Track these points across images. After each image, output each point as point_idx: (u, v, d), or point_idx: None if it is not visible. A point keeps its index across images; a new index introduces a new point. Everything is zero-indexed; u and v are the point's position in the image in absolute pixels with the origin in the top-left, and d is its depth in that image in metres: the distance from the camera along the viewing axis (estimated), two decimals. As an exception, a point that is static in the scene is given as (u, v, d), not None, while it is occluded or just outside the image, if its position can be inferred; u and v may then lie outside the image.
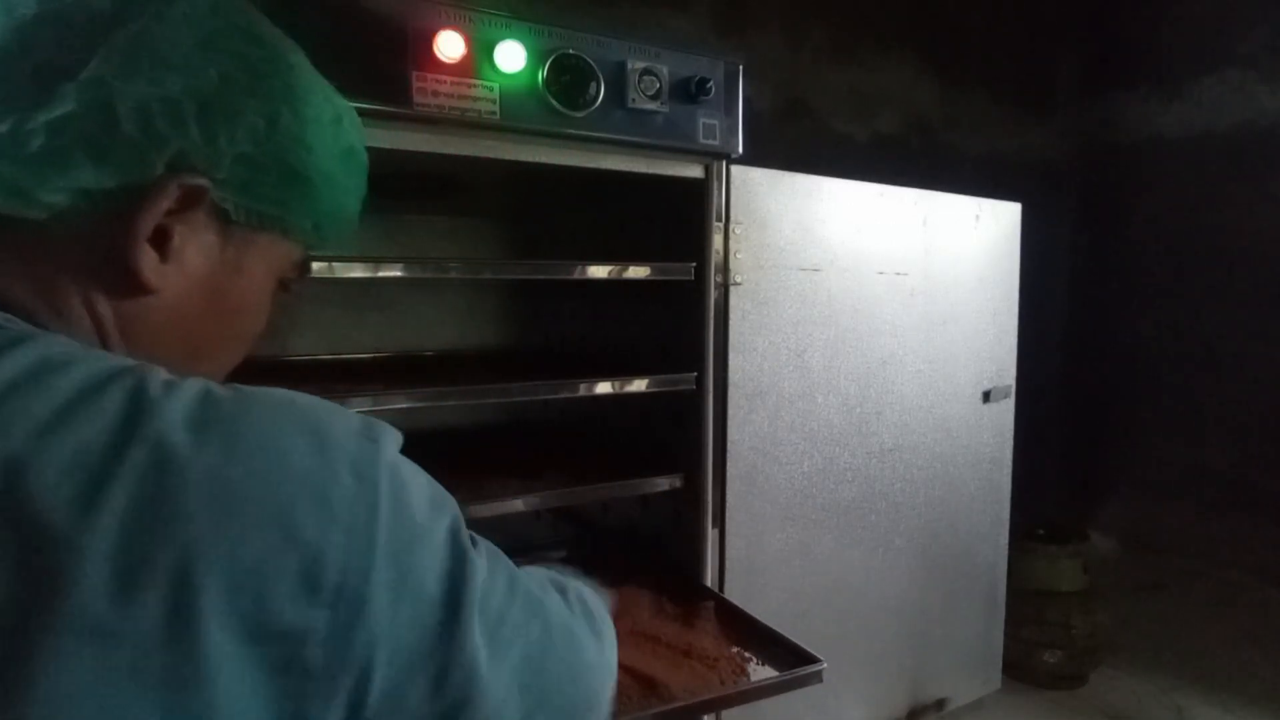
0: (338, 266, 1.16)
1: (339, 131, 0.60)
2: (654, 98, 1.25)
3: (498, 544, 0.57)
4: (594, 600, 0.68)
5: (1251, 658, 2.51)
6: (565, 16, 1.18)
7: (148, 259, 0.50)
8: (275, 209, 0.56)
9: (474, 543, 0.54)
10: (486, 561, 0.54)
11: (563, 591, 0.64)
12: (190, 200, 0.50)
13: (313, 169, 0.57)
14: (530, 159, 1.22)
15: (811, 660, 1.15)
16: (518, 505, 1.30)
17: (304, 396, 0.49)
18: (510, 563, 0.58)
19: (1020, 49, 3.11)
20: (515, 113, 1.15)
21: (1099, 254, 3.22)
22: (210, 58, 0.51)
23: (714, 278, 1.43)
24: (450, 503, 0.53)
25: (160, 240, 0.50)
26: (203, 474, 0.41)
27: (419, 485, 0.51)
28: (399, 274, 1.22)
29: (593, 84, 1.19)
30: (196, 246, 0.53)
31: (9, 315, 0.46)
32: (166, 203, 0.49)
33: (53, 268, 0.49)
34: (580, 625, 0.62)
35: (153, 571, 0.38)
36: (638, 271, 1.38)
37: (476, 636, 0.50)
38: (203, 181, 0.50)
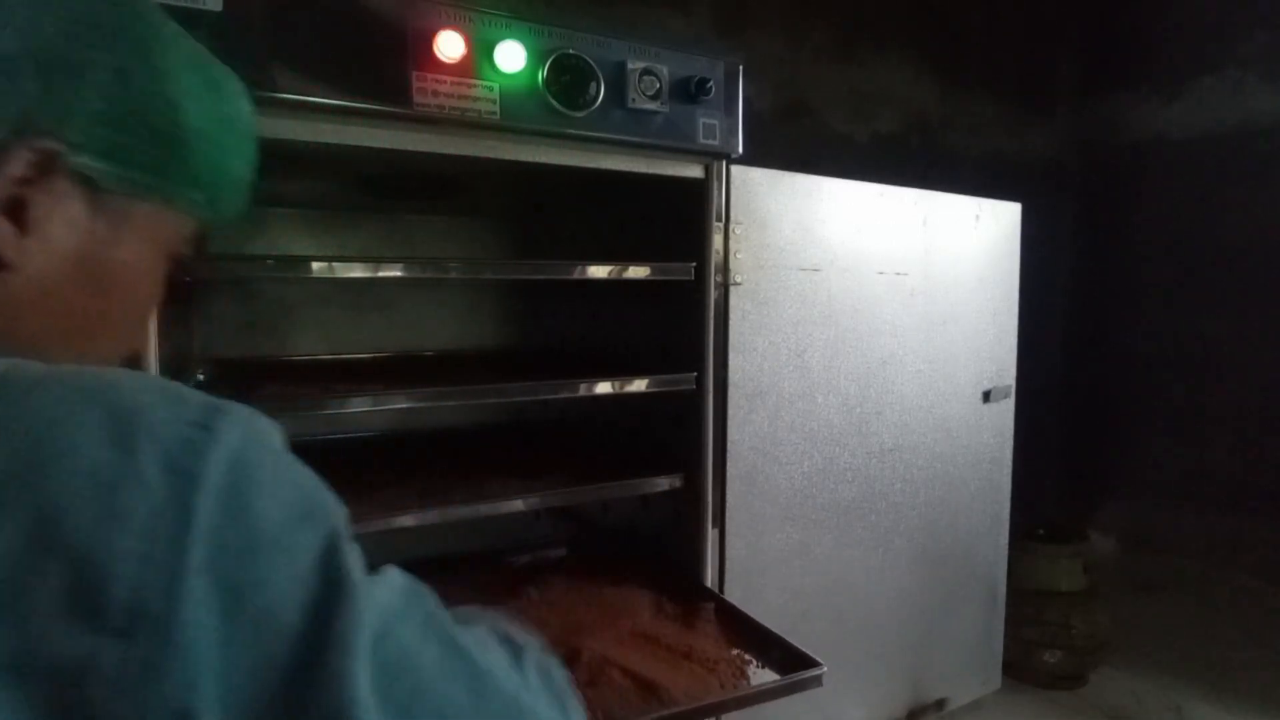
0: (338, 266, 1.16)
1: (218, 98, 0.56)
2: (654, 98, 1.25)
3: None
4: (560, 674, 0.57)
5: (1251, 658, 2.51)
6: (565, 16, 1.18)
7: (2, 232, 0.46)
8: (149, 175, 0.52)
9: (379, 573, 0.47)
10: (399, 598, 0.46)
11: (516, 655, 0.54)
12: (46, 166, 0.47)
13: (184, 129, 0.53)
14: (530, 159, 1.22)
15: (811, 664, 1.15)
16: (518, 505, 1.30)
17: (133, 376, 0.43)
18: (439, 609, 0.49)
19: (1020, 49, 3.11)
20: (515, 113, 1.15)
21: (1099, 254, 3.22)
22: (47, 13, 0.47)
23: (714, 278, 1.43)
24: (331, 517, 0.45)
25: (17, 212, 0.46)
26: None
27: (279, 489, 0.43)
28: (399, 274, 1.22)
29: (593, 84, 1.19)
30: (62, 218, 0.49)
31: None
32: (18, 169, 0.46)
33: None
34: (536, 700, 0.51)
35: None
36: (638, 271, 1.38)
37: (359, 684, 0.41)
38: (55, 145, 0.47)
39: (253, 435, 0.43)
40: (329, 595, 0.41)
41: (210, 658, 0.37)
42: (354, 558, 0.44)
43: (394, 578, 0.47)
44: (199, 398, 0.43)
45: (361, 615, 0.42)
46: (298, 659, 0.40)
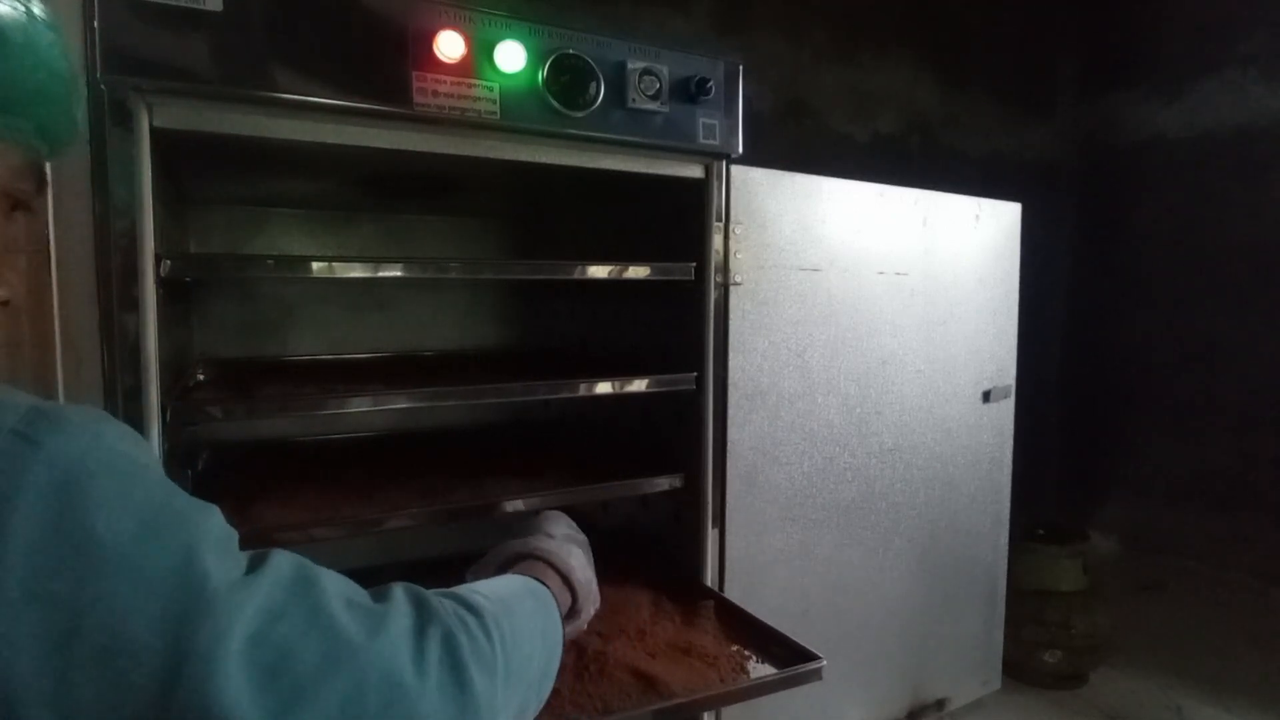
0: (338, 266, 1.16)
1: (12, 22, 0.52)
2: (654, 98, 1.25)
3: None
4: (468, 643, 0.54)
5: (1251, 658, 2.51)
6: (565, 16, 1.18)
7: None
8: None
9: (264, 566, 0.45)
10: (280, 593, 0.45)
11: (421, 629, 0.52)
12: None
13: None
14: (530, 159, 1.22)
15: (811, 658, 1.15)
16: (518, 505, 1.30)
17: None
18: (329, 591, 0.48)
19: (1020, 49, 3.11)
20: (515, 113, 1.15)
21: (1099, 254, 3.22)
22: None
23: (714, 278, 1.43)
24: (190, 521, 0.43)
25: None
26: None
27: (123, 500, 0.40)
28: (399, 274, 1.22)
29: (593, 84, 1.19)
30: None
31: None
32: None
33: None
34: (424, 679, 0.50)
35: None
36: (638, 271, 1.38)
37: (229, 691, 0.40)
38: None
39: (93, 443, 0.40)
40: (187, 608, 0.40)
41: (37, 682, 0.35)
42: (220, 564, 0.42)
43: (279, 570, 0.46)
44: (26, 403, 0.40)
45: (229, 624, 0.41)
46: (158, 675, 0.38)
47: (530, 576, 0.82)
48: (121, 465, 0.42)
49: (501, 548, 0.92)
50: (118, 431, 0.43)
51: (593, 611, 0.93)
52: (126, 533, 0.40)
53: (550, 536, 0.95)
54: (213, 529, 0.45)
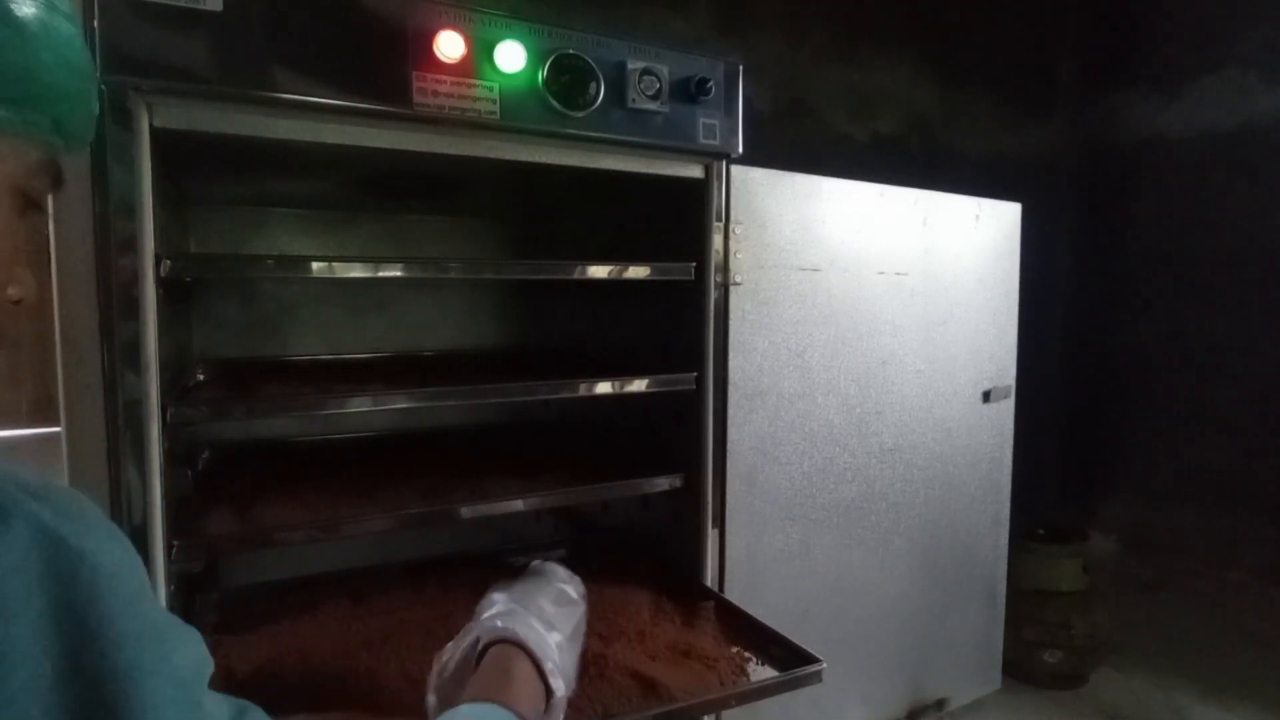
0: (338, 266, 1.16)
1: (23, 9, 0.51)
2: (654, 98, 1.25)
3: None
4: None
5: (1251, 658, 2.51)
6: (565, 16, 1.18)
7: None
8: None
9: None
10: None
11: None
12: None
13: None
14: (530, 159, 1.22)
15: (811, 660, 1.15)
16: (518, 505, 1.30)
17: None
18: None
19: (1020, 49, 3.11)
20: (515, 113, 1.15)
21: (1099, 253, 3.22)
22: None
23: (714, 278, 1.43)
24: (156, 644, 0.35)
25: None
26: None
27: (59, 612, 0.34)
28: (399, 274, 1.22)
29: (593, 84, 1.19)
30: None
31: None
32: None
33: None
34: None
35: None
36: (638, 271, 1.38)
37: None
38: None
39: (40, 536, 0.34)
40: None
41: None
42: (179, 714, 0.35)
43: None
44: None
45: None
46: None
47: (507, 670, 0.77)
48: (74, 573, 0.34)
49: (481, 624, 0.82)
50: (83, 516, 0.36)
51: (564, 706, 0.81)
52: (45, 657, 0.33)
53: (542, 614, 0.85)
54: (179, 662, 0.38)
